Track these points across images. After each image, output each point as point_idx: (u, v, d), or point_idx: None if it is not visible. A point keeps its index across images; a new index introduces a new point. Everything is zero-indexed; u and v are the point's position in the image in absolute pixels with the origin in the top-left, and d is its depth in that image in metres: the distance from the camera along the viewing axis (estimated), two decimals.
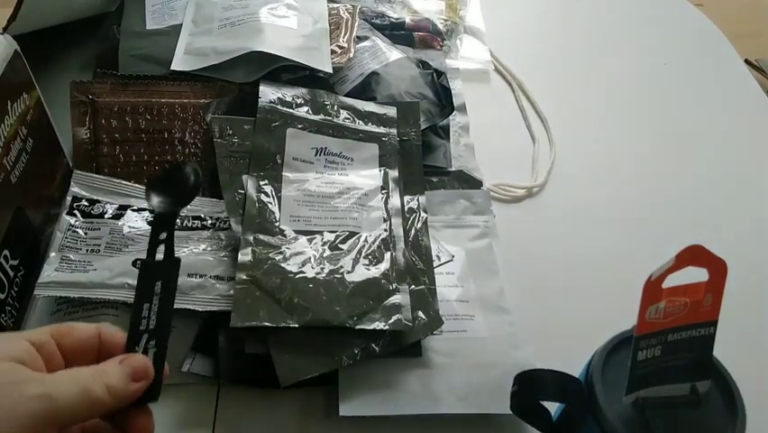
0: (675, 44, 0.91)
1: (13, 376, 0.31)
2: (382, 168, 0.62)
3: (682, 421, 0.42)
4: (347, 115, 0.65)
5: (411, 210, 0.61)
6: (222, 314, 0.52)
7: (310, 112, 0.64)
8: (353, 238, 0.57)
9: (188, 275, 0.53)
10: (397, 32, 0.81)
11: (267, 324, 0.50)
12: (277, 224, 0.56)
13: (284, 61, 0.66)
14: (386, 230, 0.58)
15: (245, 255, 0.53)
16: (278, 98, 0.64)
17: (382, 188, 0.61)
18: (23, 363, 0.32)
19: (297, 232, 0.56)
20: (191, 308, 0.52)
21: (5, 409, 0.29)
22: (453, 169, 0.69)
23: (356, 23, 0.74)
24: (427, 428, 0.51)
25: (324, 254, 0.55)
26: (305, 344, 0.50)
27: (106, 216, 0.57)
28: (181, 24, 0.72)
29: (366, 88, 0.69)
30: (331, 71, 0.67)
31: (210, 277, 0.54)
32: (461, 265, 0.60)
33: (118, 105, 0.62)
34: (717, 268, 0.40)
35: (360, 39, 0.74)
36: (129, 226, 0.56)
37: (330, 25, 0.73)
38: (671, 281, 0.40)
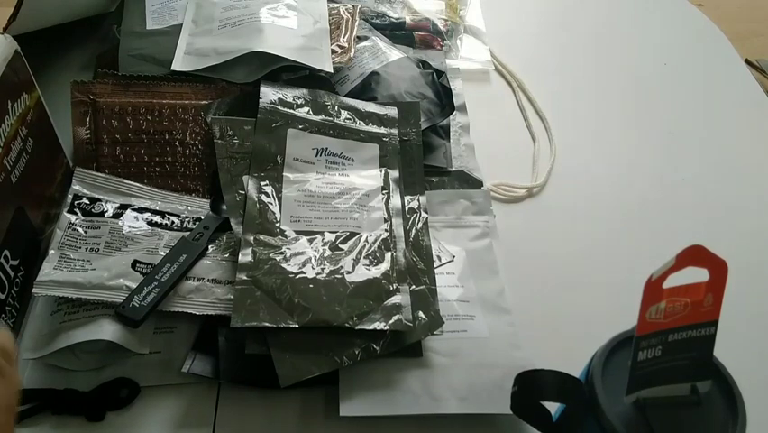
0: (675, 44, 0.91)
1: None
2: (383, 168, 0.62)
3: (683, 421, 0.42)
4: (348, 116, 0.65)
5: (411, 210, 0.61)
6: (222, 315, 0.52)
7: (311, 112, 0.64)
8: (354, 238, 0.57)
9: (186, 278, 0.53)
10: (398, 32, 0.81)
11: (267, 324, 0.50)
12: (277, 224, 0.56)
13: (284, 61, 0.66)
14: (386, 230, 0.58)
15: (245, 256, 0.53)
16: (279, 99, 0.64)
17: (383, 188, 0.61)
18: None
19: (298, 232, 0.56)
20: (188, 311, 0.52)
21: None
22: (454, 169, 0.69)
23: (356, 23, 0.74)
24: (428, 429, 0.51)
25: (325, 255, 0.55)
26: (305, 344, 0.50)
27: (107, 214, 0.57)
28: (181, 24, 0.71)
29: (366, 88, 0.69)
30: (331, 71, 0.67)
31: (208, 280, 0.54)
32: (462, 265, 0.60)
33: (119, 106, 0.62)
34: (718, 268, 0.40)
35: (360, 39, 0.74)
36: (128, 226, 0.56)
37: (330, 25, 0.73)
38: (671, 281, 0.40)
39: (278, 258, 0.54)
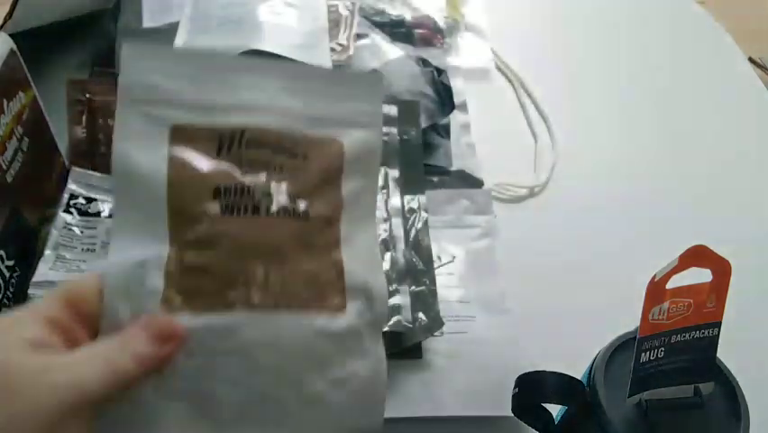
0: (678, 42, 0.90)
1: (35, 364, 0.27)
2: (382, 167, 0.62)
3: (685, 423, 0.42)
4: None
5: (411, 210, 0.60)
6: None
7: None
8: None
9: None
10: (398, 30, 0.80)
11: None
12: None
13: (283, 60, 0.65)
14: (386, 230, 0.57)
15: None
16: None
17: (382, 187, 0.60)
18: (43, 345, 0.28)
19: None
20: None
21: (32, 402, 0.27)
22: (454, 168, 0.68)
23: (355, 21, 0.73)
24: (428, 431, 0.50)
25: None
26: None
27: (103, 214, 0.56)
28: (179, 22, 0.71)
29: None
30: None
31: None
32: (462, 266, 0.59)
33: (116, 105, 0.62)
34: (721, 268, 0.40)
35: (359, 36, 0.73)
36: None
37: (329, 23, 0.72)
38: (674, 282, 0.40)
39: None
